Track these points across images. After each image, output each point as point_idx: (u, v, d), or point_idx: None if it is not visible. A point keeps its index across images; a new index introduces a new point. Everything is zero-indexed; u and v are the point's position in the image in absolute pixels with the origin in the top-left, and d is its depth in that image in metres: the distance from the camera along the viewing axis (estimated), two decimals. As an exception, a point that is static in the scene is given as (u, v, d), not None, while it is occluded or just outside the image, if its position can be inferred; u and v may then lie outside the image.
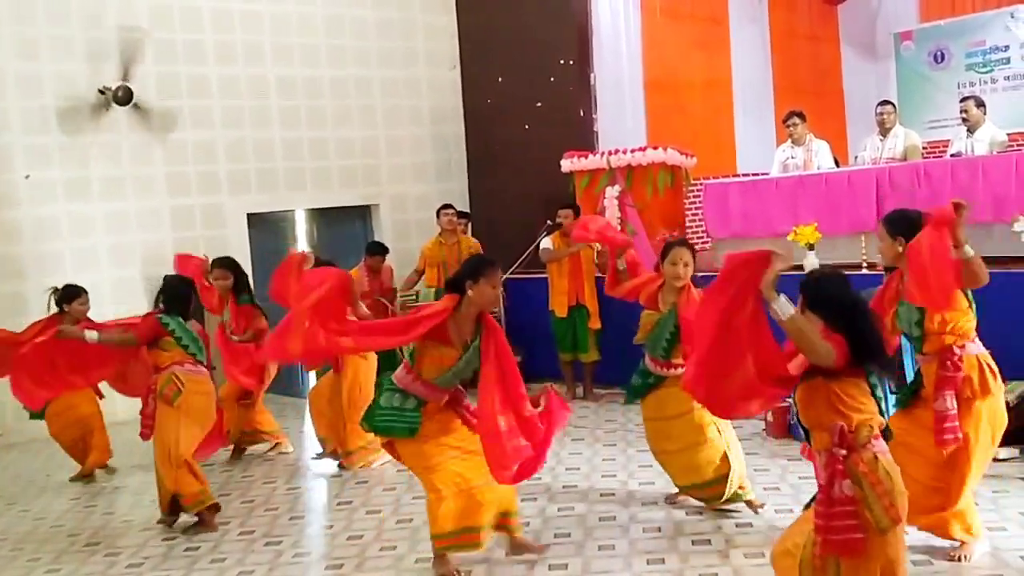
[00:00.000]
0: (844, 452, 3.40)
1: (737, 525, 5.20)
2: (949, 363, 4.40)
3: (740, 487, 5.33)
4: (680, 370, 5.17)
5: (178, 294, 6.06)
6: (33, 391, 6.54)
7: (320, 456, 7.35)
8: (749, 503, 5.35)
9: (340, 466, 7.04)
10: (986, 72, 12.06)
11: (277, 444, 7.76)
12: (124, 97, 9.06)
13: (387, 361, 7.33)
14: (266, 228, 10.30)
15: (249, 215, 10.08)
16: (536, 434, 4.57)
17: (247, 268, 9.27)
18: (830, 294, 3.55)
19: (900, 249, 4.40)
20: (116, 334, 6.11)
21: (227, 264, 7.42)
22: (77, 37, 9.06)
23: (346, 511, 6.03)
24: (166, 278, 6.28)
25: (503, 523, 4.87)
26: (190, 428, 5.87)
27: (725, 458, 5.27)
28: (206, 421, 5.98)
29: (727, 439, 5.32)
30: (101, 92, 9.07)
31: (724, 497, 5.30)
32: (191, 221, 9.74)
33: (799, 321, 3.42)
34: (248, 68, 10.11)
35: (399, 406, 4.70)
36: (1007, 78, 11.87)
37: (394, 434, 4.73)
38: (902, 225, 4.47)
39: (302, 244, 10.81)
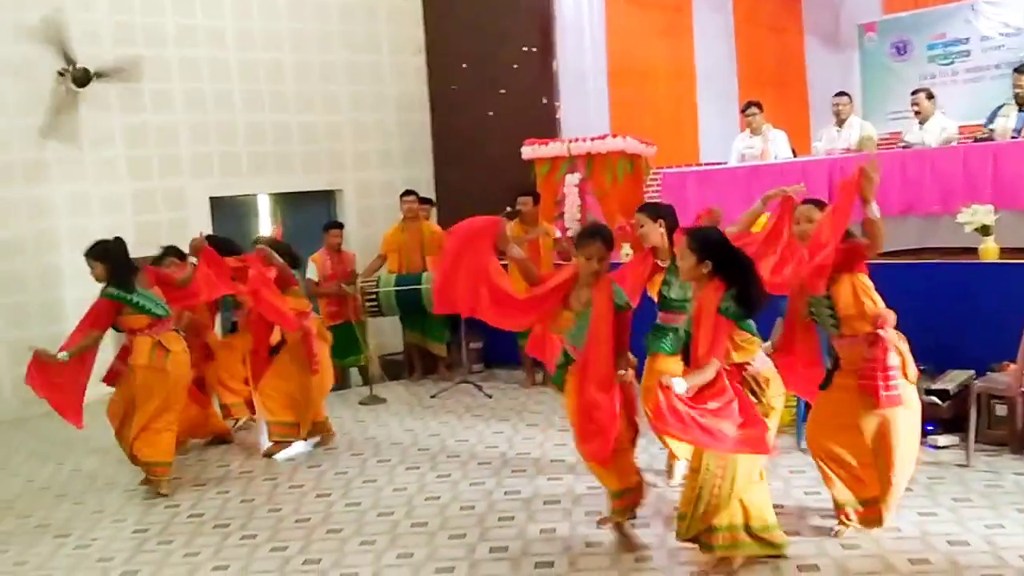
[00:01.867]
0: None
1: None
2: (877, 344, 4.47)
3: None
4: None
5: (119, 261, 6.09)
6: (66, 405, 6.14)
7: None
8: None
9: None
10: (947, 64, 12.16)
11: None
12: (82, 78, 9.02)
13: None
14: (229, 212, 10.29)
15: (212, 199, 10.07)
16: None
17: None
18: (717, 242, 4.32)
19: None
20: (80, 340, 6.00)
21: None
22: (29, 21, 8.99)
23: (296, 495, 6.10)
24: (101, 246, 6.16)
25: None
26: (177, 392, 6.22)
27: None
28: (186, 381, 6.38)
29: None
30: (60, 74, 9.02)
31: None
32: (153, 204, 9.73)
33: None
34: (210, 51, 10.08)
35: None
36: (967, 70, 11.97)
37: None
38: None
39: (265, 229, 10.81)
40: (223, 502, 6.01)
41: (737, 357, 4.36)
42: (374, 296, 8.92)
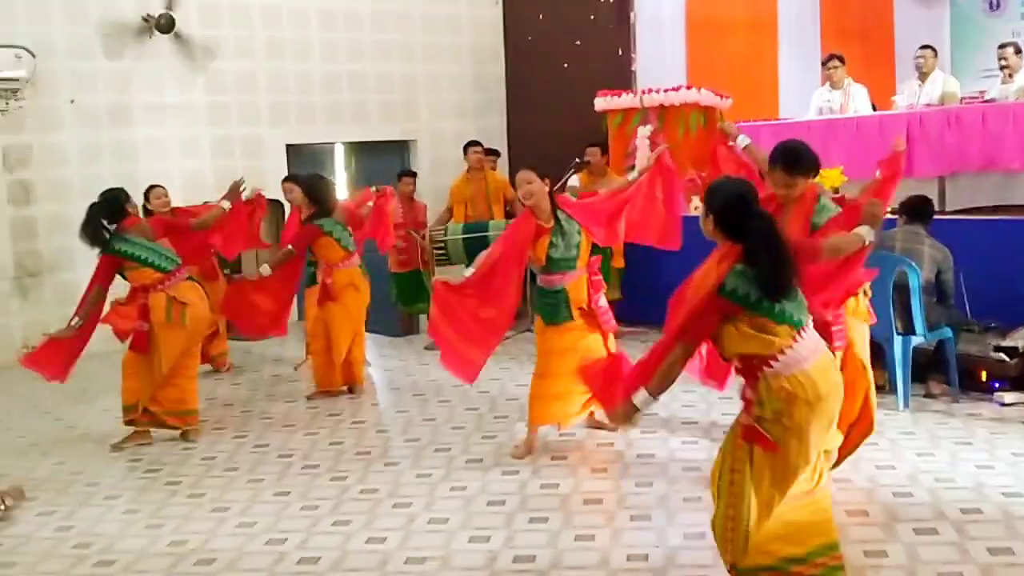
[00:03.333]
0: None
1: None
2: None
3: None
4: None
5: (113, 208, 5.88)
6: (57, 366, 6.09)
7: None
8: None
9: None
10: (1043, 20, 11.66)
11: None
12: (166, 25, 9.26)
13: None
14: (305, 160, 10.47)
15: (288, 146, 10.27)
16: None
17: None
18: (730, 194, 3.38)
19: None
20: (88, 300, 5.93)
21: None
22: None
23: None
24: (102, 200, 5.94)
25: None
26: (196, 339, 6.21)
27: None
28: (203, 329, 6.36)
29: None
30: (145, 20, 9.27)
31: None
32: (230, 151, 9.97)
33: None
34: (289, 0, 10.23)
35: None
36: (1064, 26, 11.47)
37: None
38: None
39: (340, 177, 10.98)
40: (287, 435, 6.23)
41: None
42: (442, 244, 9.00)
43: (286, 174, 8.55)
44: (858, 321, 4.62)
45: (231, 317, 7.35)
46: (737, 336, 3.25)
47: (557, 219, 5.34)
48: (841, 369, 4.42)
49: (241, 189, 6.82)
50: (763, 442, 3.27)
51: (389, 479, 5.25)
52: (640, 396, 3.36)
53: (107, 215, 5.89)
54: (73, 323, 5.89)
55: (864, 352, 4.64)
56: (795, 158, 4.41)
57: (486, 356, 5.48)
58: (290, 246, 6.88)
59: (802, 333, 3.28)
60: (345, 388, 7.20)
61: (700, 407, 6.23)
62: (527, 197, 5.32)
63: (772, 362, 3.24)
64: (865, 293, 4.68)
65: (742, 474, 3.33)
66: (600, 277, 5.55)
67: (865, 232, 3.97)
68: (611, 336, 5.57)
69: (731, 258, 3.25)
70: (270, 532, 4.59)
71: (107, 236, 5.85)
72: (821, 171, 7.54)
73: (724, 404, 6.03)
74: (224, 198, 6.75)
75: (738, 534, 3.35)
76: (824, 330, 4.32)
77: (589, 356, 5.16)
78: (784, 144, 4.50)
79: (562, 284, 5.39)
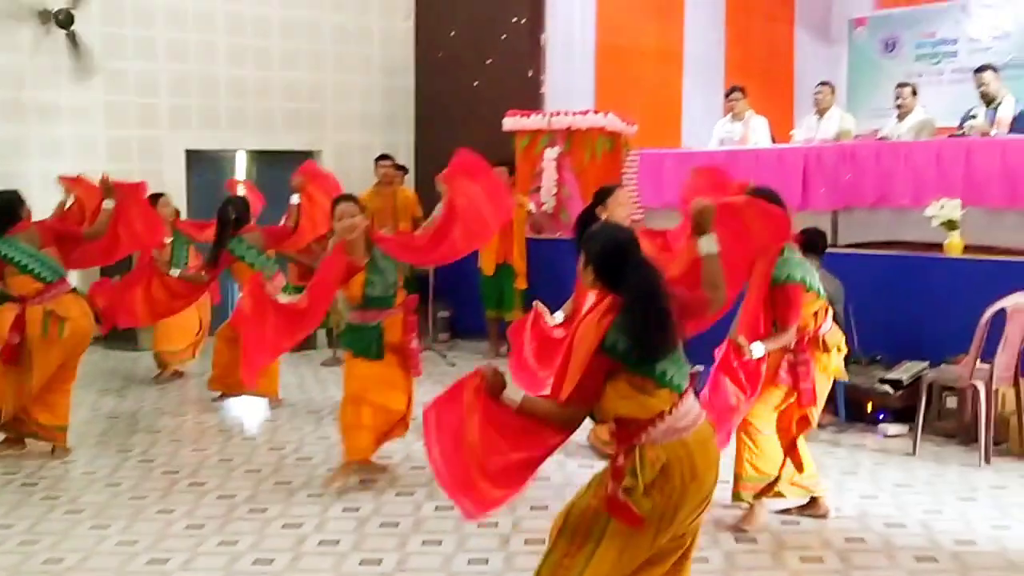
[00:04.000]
0: None
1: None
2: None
3: None
4: None
5: (4, 211, 5.65)
6: None
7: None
8: None
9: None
10: (935, 63, 12.17)
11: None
12: (65, 20, 8.95)
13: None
14: (205, 166, 10.23)
15: (188, 151, 10.02)
16: None
17: (182, 205, 9.28)
18: (608, 241, 3.13)
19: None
20: None
21: None
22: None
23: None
24: None
25: None
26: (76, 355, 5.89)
27: None
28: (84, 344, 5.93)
29: None
30: (42, 13, 8.94)
31: None
32: (128, 153, 9.67)
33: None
34: (196, 2, 10.01)
35: None
36: (953, 71, 11.99)
37: None
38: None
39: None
40: (174, 450, 6.03)
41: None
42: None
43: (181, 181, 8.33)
44: (824, 378, 4.65)
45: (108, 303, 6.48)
46: (615, 396, 2.97)
47: (372, 256, 5.14)
48: (783, 414, 4.58)
49: (109, 182, 6.10)
50: (628, 516, 2.93)
51: (280, 499, 5.13)
52: (518, 395, 3.05)
53: None
54: None
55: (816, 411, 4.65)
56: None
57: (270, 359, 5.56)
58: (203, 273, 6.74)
59: (683, 399, 3.00)
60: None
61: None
62: (349, 231, 5.05)
63: (651, 428, 2.94)
64: (839, 349, 4.73)
65: (591, 538, 3.01)
66: (415, 317, 5.40)
67: (706, 243, 3.30)
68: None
69: (613, 311, 2.98)
70: (152, 551, 4.43)
71: None
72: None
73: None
74: (103, 200, 6.08)
75: None
76: (793, 388, 4.52)
77: (392, 393, 5.29)
78: (754, 191, 4.25)
79: (377, 321, 5.20)
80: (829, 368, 4.68)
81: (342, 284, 5.11)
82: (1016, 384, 5.74)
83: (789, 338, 4.45)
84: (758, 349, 4.30)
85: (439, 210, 5.38)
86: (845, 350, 4.83)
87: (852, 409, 6.31)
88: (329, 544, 4.50)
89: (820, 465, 5.54)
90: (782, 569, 4.16)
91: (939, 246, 6.84)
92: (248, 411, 6.94)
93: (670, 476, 2.93)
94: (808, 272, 4.50)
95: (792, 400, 4.57)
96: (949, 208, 6.69)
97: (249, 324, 5.15)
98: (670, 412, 2.96)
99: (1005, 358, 5.59)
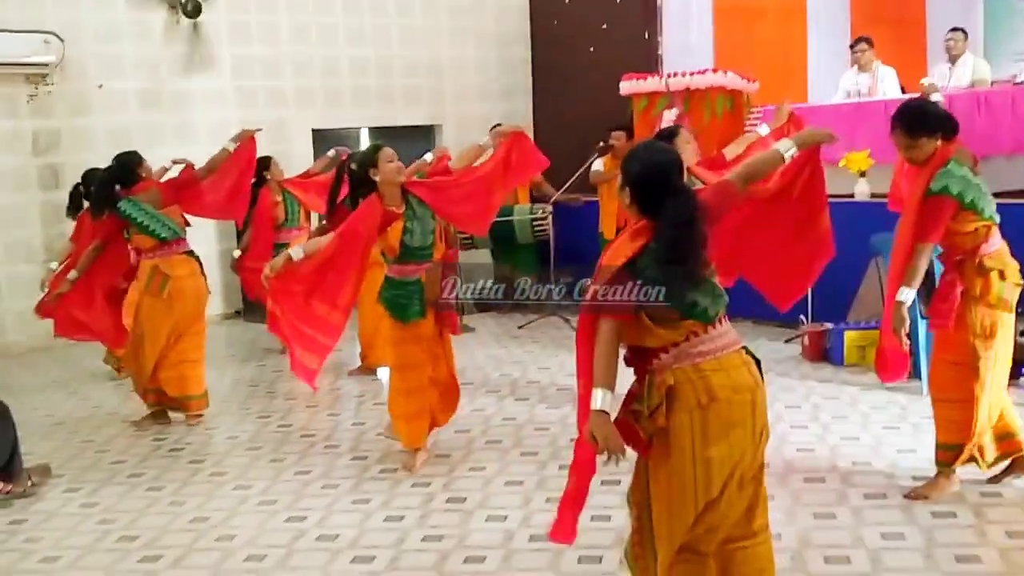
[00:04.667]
0: None
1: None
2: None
3: None
4: None
5: (125, 172, 5.98)
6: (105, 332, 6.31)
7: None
8: None
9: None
10: (1078, 4, 11.48)
11: None
12: (193, 10, 9.32)
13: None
14: (330, 144, 10.48)
15: (314, 131, 10.31)
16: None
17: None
18: (647, 163, 2.94)
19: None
20: (85, 255, 6.00)
21: None
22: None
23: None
24: (116, 163, 6.10)
25: None
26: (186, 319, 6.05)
27: None
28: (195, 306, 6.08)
29: None
30: (171, 6, 9.34)
31: None
32: (258, 135, 9.98)
33: None
34: (316, -15, 10.30)
35: None
36: (1100, 9, 11.28)
37: None
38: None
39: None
40: (310, 415, 6.28)
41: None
42: (506, 223, 8.98)
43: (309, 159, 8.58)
44: (983, 308, 4.16)
45: None
46: (636, 325, 2.85)
47: (408, 203, 4.89)
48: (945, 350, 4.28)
49: (253, 135, 6.52)
50: (635, 440, 2.88)
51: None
52: (597, 399, 2.82)
53: (119, 178, 5.99)
54: (70, 277, 5.96)
55: (983, 345, 4.18)
56: (910, 117, 4.19)
57: (321, 359, 4.89)
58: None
59: (710, 328, 2.88)
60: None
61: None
62: (398, 173, 4.83)
63: (662, 353, 2.85)
64: (1003, 275, 4.19)
65: (642, 492, 2.99)
66: (453, 273, 5.20)
67: (784, 146, 3.37)
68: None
69: (645, 235, 2.86)
70: (290, 510, 4.63)
71: (115, 198, 5.91)
72: (847, 155, 7.59)
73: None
74: (233, 140, 6.44)
75: (646, 561, 3.01)
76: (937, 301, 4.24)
77: (437, 363, 5.11)
78: (903, 104, 4.32)
79: (417, 275, 4.95)
80: (989, 295, 4.15)
81: (380, 232, 4.80)
82: None
83: (925, 258, 4.04)
84: (906, 295, 4.03)
85: (485, 156, 5.33)
86: (1019, 279, 4.27)
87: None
88: (456, 502, 4.62)
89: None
90: (912, 524, 4.06)
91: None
92: (380, 379, 7.13)
93: (682, 398, 2.82)
94: (970, 188, 4.10)
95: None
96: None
97: (281, 300, 4.81)
98: (687, 339, 2.85)
99: None
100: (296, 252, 4.77)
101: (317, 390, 5.99)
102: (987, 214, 4.20)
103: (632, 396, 2.93)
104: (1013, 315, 4.29)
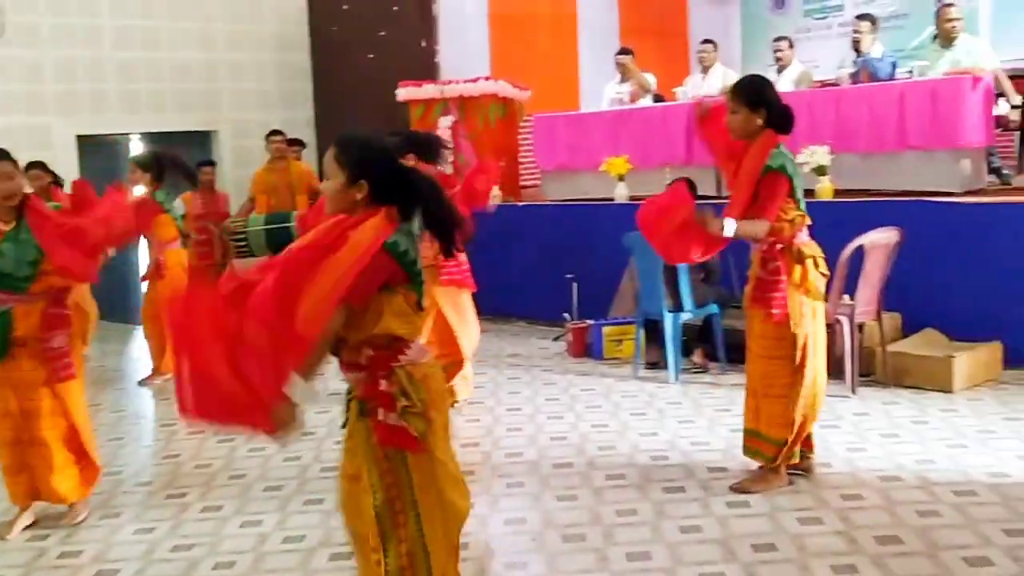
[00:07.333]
0: None
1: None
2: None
3: None
4: None
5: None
6: None
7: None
8: None
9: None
10: (821, 18, 12.55)
11: None
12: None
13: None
14: (98, 152, 10.12)
15: (79, 137, 9.90)
16: None
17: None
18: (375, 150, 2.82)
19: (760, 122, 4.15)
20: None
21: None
22: None
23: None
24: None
25: None
26: None
27: None
28: None
29: None
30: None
31: None
32: (16, 142, 9.45)
33: None
34: (78, -15, 9.89)
35: None
36: (840, 25, 12.35)
37: None
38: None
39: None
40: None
41: None
42: (242, 236, 8.86)
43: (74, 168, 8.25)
44: (800, 296, 4.28)
45: None
46: (389, 312, 2.72)
47: (18, 223, 4.18)
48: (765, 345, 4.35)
49: None
50: (409, 442, 2.74)
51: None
52: (300, 387, 2.63)
53: None
54: None
55: (803, 334, 4.29)
56: (740, 84, 4.34)
57: None
58: None
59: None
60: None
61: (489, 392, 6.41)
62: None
63: (406, 350, 2.77)
64: (816, 264, 4.35)
65: (404, 500, 2.80)
66: (63, 311, 4.30)
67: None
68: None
69: (393, 218, 2.72)
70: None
71: None
72: (608, 159, 8.01)
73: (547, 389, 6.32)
74: None
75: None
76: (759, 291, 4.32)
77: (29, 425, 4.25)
78: (749, 75, 4.55)
79: (5, 307, 4.18)
80: (807, 283, 4.29)
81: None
82: (878, 318, 6.00)
83: (763, 228, 4.19)
84: (730, 227, 4.12)
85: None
86: (825, 270, 4.42)
87: (732, 351, 6.51)
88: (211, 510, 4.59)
89: (697, 405, 5.81)
90: (644, 501, 4.34)
91: (810, 192, 7.07)
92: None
93: (439, 395, 2.86)
94: (797, 176, 4.26)
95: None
96: (819, 155, 6.94)
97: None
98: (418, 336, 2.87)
99: (866, 293, 5.84)
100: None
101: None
102: (802, 206, 4.34)
103: (387, 397, 2.72)
104: (823, 304, 4.46)
